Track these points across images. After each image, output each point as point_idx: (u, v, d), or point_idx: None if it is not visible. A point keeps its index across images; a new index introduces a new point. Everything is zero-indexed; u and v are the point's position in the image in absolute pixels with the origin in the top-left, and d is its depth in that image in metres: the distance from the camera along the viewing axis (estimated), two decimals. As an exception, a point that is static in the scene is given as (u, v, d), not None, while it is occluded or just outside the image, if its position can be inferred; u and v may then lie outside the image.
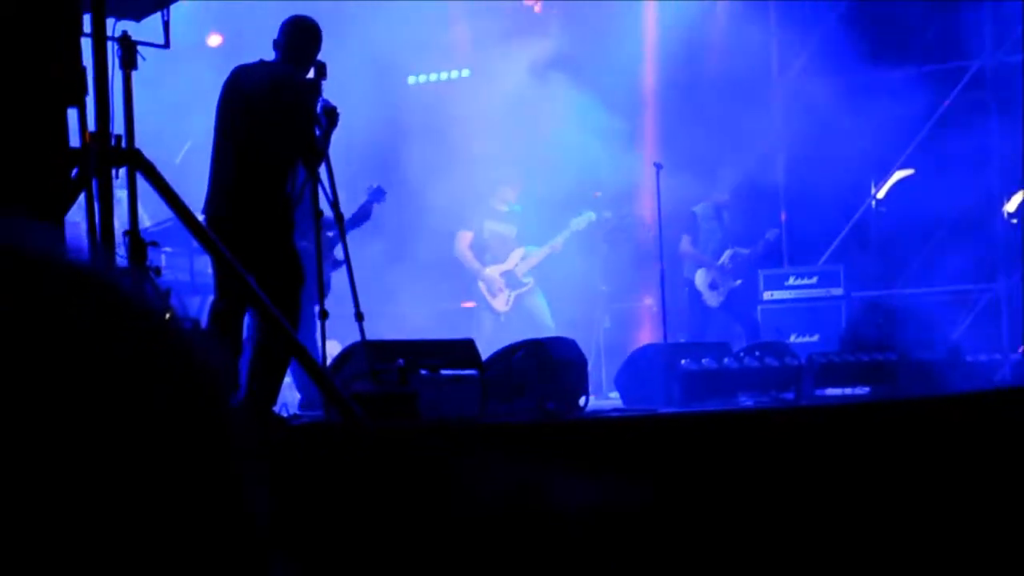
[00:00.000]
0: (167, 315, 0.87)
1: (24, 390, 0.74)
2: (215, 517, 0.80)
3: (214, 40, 11.90)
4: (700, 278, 11.31)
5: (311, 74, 6.83)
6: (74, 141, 4.65)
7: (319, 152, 6.71)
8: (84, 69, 4.36)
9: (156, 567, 0.76)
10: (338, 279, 7.80)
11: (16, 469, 0.73)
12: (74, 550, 0.73)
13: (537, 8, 13.21)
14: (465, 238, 11.00)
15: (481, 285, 10.97)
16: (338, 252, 7.89)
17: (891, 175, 12.52)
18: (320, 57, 6.92)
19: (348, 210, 8.26)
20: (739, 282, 11.31)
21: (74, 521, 0.74)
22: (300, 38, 6.81)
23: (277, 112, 6.54)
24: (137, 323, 0.83)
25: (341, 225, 7.02)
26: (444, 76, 13.46)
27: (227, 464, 0.83)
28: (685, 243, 11.30)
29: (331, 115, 6.83)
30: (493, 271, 10.93)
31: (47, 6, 4.00)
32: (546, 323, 10.83)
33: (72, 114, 4.43)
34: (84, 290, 0.82)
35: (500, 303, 10.90)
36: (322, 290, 6.74)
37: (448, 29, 12.95)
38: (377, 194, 9.08)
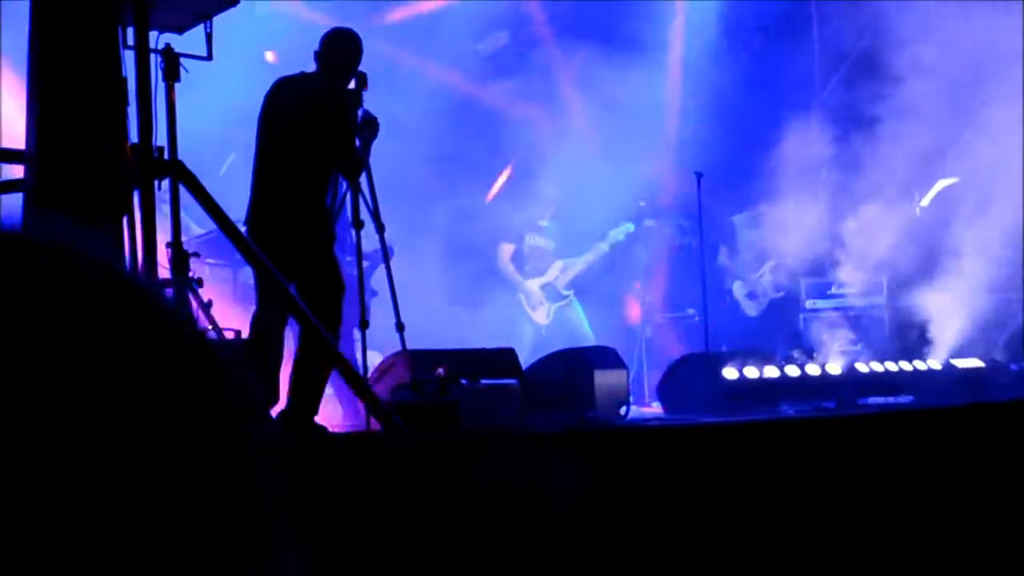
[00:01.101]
0: (191, 324, 0.88)
1: (37, 381, 0.77)
2: (216, 507, 0.82)
3: (271, 56, 11.93)
4: (738, 289, 11.32)
5: (352, 85, 6.87)
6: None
7: (359, 162, 6.74)
8: (124, 79, 4.39)
9: (156, 550, 0.78)
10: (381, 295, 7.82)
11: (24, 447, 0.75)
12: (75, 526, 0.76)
13: None
14: (507, 250, 11.04)
15: (522, 298, 10.99)
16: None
17: (935, 183, 12.43)
18: (362, 68, 6.98)
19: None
20: (781, 294, 11.28)
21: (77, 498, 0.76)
22: (340, 49, 6.84)
23: (317, 123, 6.56)
24: (158, 328, 0.85)
25: (382, 235, 7.05)
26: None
27: (235, 457, 0.85)
28: (723, 255, 11.33)
29: (371, 125, 6.86)
30: (533, 284, 10.96)
31: (87, 16, 4.04)
32: (586, 333, 10.85)
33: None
34: (118, 292, 0.84)
35: (540, 316, 10.93)
36: (363, 301, 6.77)
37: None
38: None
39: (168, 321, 0.87)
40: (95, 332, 0.81)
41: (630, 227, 11.57)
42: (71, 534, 0.76)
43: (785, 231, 11.51)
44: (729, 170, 11.34)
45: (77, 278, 0.83)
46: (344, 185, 6.99)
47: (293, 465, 4.38)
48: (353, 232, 7.07)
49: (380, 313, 7.93)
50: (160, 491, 0.79)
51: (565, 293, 11.05)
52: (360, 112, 6.86)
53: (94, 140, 4.07)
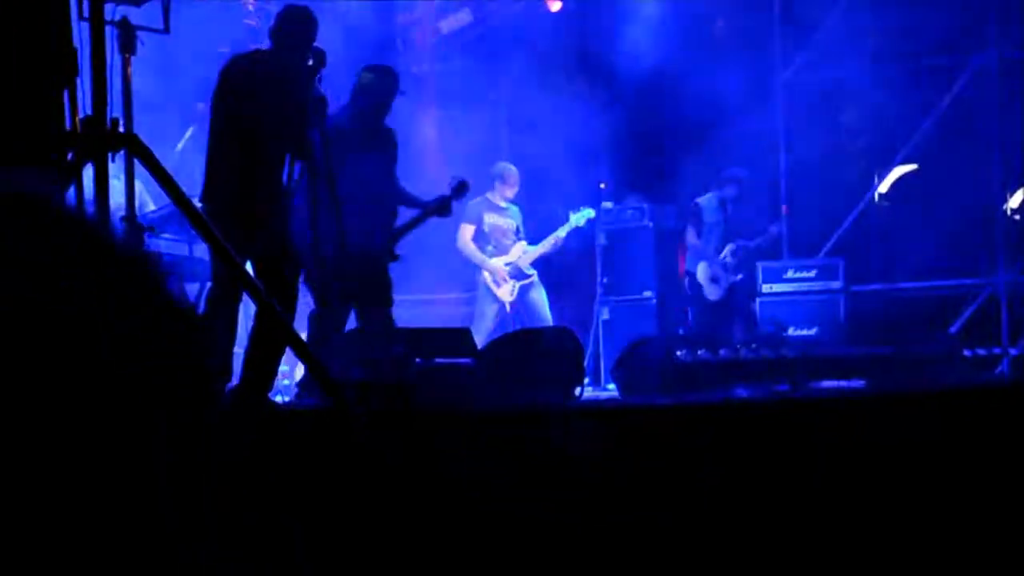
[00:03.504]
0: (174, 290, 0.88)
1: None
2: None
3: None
4: (702, 271, 11.34)
5: (309, 62, 6.85)
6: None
7: (308, 141, 6.72)
8: (75, 50, 4.35)
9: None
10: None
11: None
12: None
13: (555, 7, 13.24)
14: (467, 231, 11.01)
15: (486, 275, 10.98)
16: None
17: (893, 169, 12.51)
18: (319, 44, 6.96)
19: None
20: (740, 276, 11.35)
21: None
22: (294, 26, 6.83)
23: (268, 101, 6.56)
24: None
25: (338, 211, 7.02)
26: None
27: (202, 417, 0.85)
28: (691, 235, 11.36)
29: (317, 105, 6.84)
30: (498, 262, 10.95)
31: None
32: (546, 316, 10.87)
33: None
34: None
35: (505, 293, 10.92)
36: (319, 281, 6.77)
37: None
38: (461, 190, 8.86)
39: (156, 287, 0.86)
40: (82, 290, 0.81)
41: (591, 212, 11.61)
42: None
43: (746, 213, 11.59)
44: (694, 152, 11.40)
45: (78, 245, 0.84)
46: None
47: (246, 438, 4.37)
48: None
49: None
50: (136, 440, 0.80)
51: (529, 272, 11.05)
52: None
53: (41, 110, 4.03)
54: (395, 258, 7.96)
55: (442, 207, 8.44)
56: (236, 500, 0.91)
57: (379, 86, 7.97)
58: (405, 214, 8.19)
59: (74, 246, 0.82)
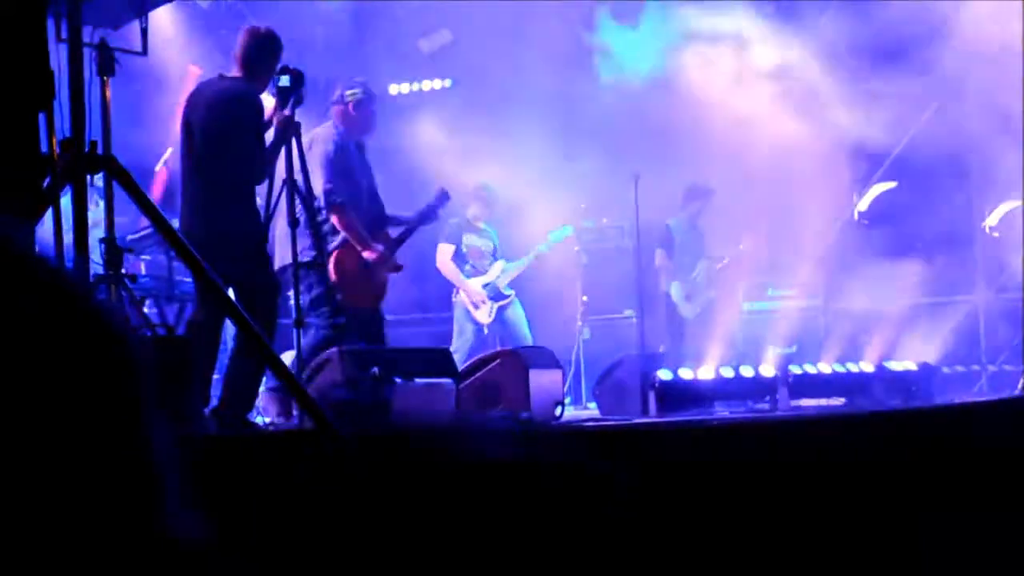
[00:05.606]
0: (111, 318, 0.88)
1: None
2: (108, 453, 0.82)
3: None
4: (676, 291, 11.36)
5: (287, 83, 6.85)
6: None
7: (259, 164, 6.73)
8: (52, 73, 4.35)
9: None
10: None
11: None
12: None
13: None
14: (447, 250, 11.02)
15: (464, 297, 10.97)
16: None
17: (872, 187, 12.53)
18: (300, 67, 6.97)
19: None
20: (714, 293, 11.35)
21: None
22: (253, 50, 6.86)
23: (225, 127, 6.59)
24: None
25: (317, 232, 7.02)
26: (426, 86, 13.49)
27: (123, 404, 0.85)
28: (660, 257, 11.37)
29: (282, 127, 6.83)
30: (475, 283, 10.95)
31: (9, 10, 4.00)
32: (525, 334, 10.86)
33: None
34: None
35: (483, 315, 10.91)
36: (298, 300, 6.76)
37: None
38: (443, 198, 8.97)
39: (86, 315, 0.86)
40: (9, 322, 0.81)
41: (569, 230, 11.61)
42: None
43: (722, 232, 11.59)
44: (667, 172, 11.39)
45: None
46: (282, 187, 6.95)
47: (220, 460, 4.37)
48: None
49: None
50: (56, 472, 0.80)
51: (507, 292, 11.05)
52: (283, 113, 6.84)
53: (14, 134, 4.03)
54: (399, 268, 8.34)
55: (428, 215, 8.64)
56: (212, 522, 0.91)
57: (367, 102, 8.17)
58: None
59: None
